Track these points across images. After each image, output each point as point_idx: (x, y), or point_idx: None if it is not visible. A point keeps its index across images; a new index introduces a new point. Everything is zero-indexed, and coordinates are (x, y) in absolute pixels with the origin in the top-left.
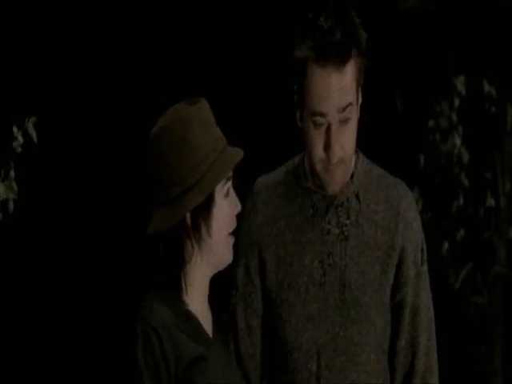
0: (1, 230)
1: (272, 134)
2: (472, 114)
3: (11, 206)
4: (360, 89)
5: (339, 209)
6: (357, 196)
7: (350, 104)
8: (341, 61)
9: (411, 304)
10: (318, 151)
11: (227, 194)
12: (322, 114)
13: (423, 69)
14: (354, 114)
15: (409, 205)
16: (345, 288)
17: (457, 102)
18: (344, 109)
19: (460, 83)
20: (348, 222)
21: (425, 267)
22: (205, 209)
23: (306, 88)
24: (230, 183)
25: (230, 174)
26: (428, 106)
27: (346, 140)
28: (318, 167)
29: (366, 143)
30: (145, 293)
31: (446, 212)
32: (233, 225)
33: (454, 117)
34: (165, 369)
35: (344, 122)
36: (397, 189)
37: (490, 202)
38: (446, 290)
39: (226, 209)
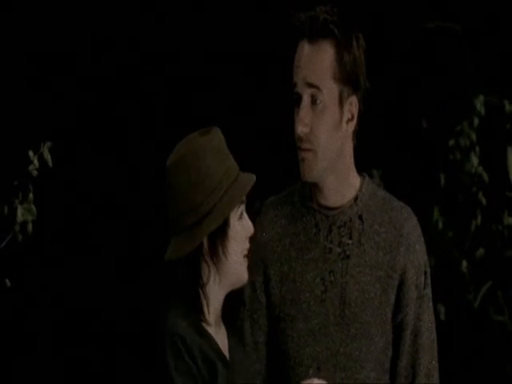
0: (21, 251)
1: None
2: (491, 133)
3: (30, 227)
4: (345, 91)
5: (341, 229)
6: (360, 217)
7: (318, 88)
8: (316, 33)
9: (412, 326)
10: (295, 130)
11: (241, 217)
12: (295, 84)
13: (446, 87)
14: (326, 103)
15: (412, 228)
16: (345, 305)
17: (476, 121)
18: (310, 85)
19: (479, 103)
20: (350, 241)
21: (428, 290)
22: (221, 233)
23: None
24: (243, 206)
25: (244, 198)
26: (450, 125)
27: (317, 126)
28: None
29: (387, 162)
30: (164, 309)
31: (466, 230)
32: (247, 246)
33: (474, 136)
34: (196, 371)
35: (315, 102)
36: (401, 212)
37: (508, 220)
38: (466, 308)
39: (240, 231)
